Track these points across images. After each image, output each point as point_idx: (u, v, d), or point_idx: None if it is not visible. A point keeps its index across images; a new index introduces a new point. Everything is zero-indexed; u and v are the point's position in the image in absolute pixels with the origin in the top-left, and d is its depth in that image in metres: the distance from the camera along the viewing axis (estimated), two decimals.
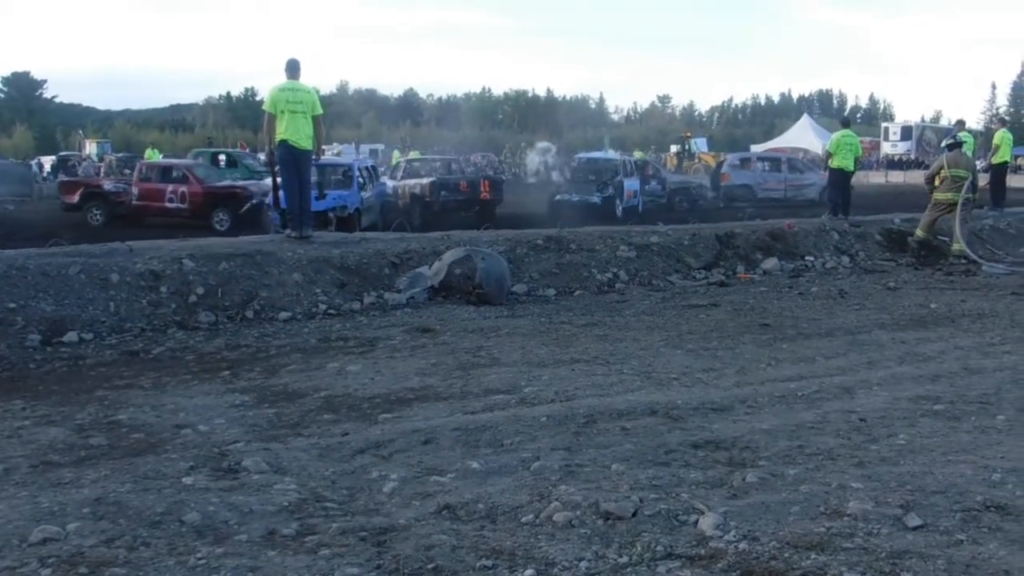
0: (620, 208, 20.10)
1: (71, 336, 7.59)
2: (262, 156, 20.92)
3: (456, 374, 6.25)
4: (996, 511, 3.56)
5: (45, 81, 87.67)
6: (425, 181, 19.76)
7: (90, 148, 53.92)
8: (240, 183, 19.31)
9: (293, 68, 10.53)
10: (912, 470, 4.08)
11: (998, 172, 18.02)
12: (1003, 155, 18.02)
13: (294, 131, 10.25)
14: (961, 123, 19.40)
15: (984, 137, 29.19)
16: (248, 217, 17.09)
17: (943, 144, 16.04)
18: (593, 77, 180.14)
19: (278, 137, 10.31)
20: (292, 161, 10.40)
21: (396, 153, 31.92)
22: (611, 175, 21.00)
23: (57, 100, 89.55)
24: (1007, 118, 26.09)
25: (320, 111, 10.61)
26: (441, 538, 3.42)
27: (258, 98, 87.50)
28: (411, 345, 7.29)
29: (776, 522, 3.47)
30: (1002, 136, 18.27)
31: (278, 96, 10.32)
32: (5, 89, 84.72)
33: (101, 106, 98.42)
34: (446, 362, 6.62)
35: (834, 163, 15.67)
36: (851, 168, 15.85)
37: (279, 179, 10.84)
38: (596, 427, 4.88)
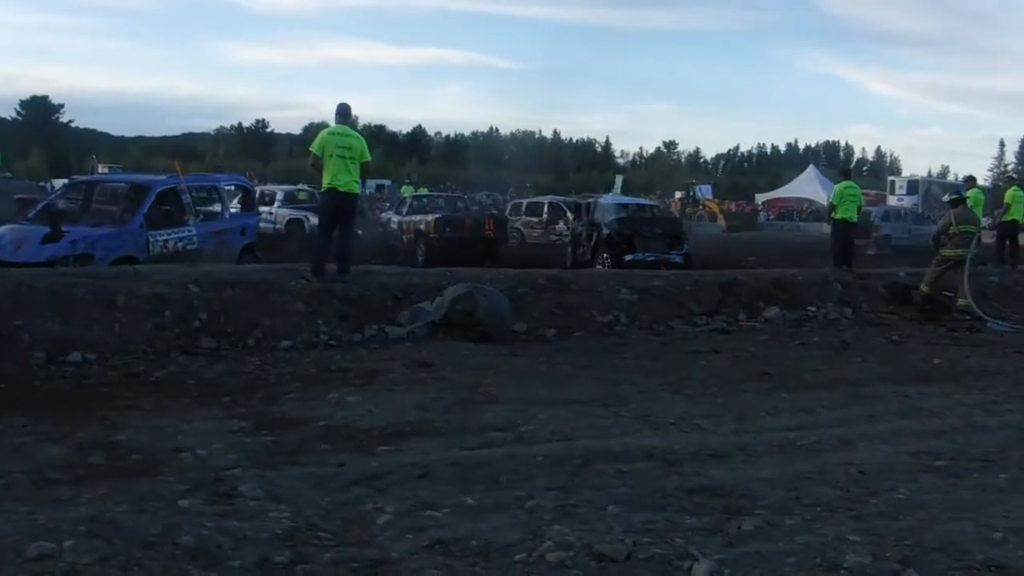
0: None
1: (75, 356, 7.61)
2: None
3: (454, 410, 6.24)
4: (996, 571, 3.53)
5: (62, 106, 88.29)
6: (430, 218, 19.60)
7: (102, 172, 54.26)
8: None
9: (345, 113, 10.50)
10: (911, 525, 4.06)
11: (1010, 231, 17.49)
12: (1014, 213, 17.47)
13: (341, 177, 10.07)
14: (971, 179, 19.07)
15: (992, 194, 29.12)
16: None
17: (945, 199, 15.89)
18: (600, 121, 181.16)
19: (326, 183, 10.16)
20: (334, 207, 10.27)
21: (407, 188, 32.09)
22: (677, 227, 18.57)
23: (73, 125, 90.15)
24: (1015, 176, 26.02)
25: (368, 158, 10.43)
26: (433, 573, 3.41)
27: (268, 130, 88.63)
28: (410, 379, 7.29)
29: (771, 572, 3.45)
30: (1013, 194, 17.73)
31: (328, 139, 10.16)
32: (23, 112, 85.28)
33: (115, 132, 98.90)
34: (444, 397, 6.61)
35: (837, 214, 15.66)
36: (855, 219, 15.84)
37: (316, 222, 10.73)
38: (592, 468, 4.86)
